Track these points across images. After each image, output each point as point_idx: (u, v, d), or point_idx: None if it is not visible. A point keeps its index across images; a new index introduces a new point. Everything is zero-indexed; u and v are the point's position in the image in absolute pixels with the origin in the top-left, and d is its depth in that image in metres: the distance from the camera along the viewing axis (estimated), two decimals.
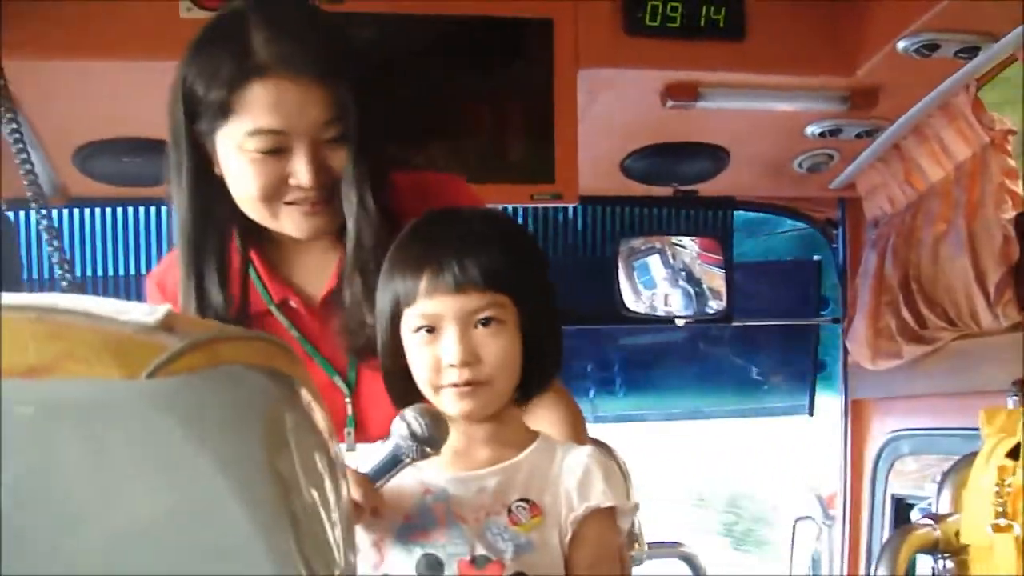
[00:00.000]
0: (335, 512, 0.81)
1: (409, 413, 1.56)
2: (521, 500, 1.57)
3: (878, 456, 3.44)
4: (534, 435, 1.67)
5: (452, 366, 1.55)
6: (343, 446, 1.71)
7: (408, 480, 1.60)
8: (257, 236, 1.93)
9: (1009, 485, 1.67)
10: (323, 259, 1.95)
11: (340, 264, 1.93)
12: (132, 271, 3.16)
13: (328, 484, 0.81)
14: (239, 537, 0.72)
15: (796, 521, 3.77)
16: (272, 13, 1.80)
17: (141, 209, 3.15)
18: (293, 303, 1.95)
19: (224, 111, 1.76)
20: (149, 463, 0.72)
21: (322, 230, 1.87)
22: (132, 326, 0.77)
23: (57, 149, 2.79)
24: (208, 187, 1.85)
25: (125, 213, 3.16)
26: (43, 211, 2.20)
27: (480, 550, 1.53)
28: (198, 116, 1.80)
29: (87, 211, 3.15)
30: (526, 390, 1.66)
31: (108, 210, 3.16)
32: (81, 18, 2.43)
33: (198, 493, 0.72)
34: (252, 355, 0.80)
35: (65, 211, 3.12)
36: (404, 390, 1.63)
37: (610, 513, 1.60)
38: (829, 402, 3.80)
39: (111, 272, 3.17)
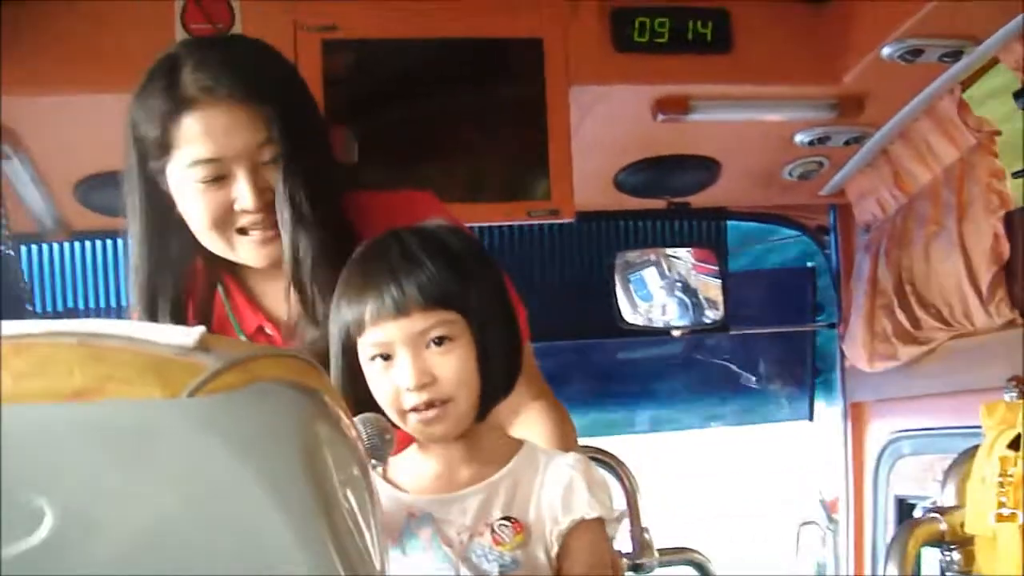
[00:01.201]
0: (371, 518, 0.84)
1: (355, 422, 1.55)
2: (503, 518, 1.55)
3: (879, 458, 3.46)
4: (517, 445, 1.65)
5: (409, 391, 1.53)
6: None
7: (393, 504, 1.58)
8: (230, 267, 1.96)
9: (1011, 475, 1.70)
10: None
11: None
12: (119, 303, 3.17)
13: (365, 496, 0.84)
14: (282, 548, 0.75)
15: (800, 526, 3.78)
16: (202, 49, 1.84)
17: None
18: (268, 330, 1.97)
19: (164, 148, 1.80)
20: (193, 479, 0.75)
21: (277, 258, 1.88)
22: (171, 348, 0.80)
23: (58, 183, 2.82)
24: (164, 225, 1.87)
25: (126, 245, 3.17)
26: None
27: (465, 572, 1.52)
28: (147, 157, 1.83)
29: (88, 244, 3.17)
30: (484, 404, 1.61)
31: (110, 242, 3.17)
32: (79, 51, 2.46)
33: (241, 507, 0.75)
34: (284, 372, 0.83)
35: (67, 244, 3.14)
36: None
37: (598, 523, 1.57)
38: (828, 407, 3.83)
39: (114, 304, 3.19)
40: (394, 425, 1.58)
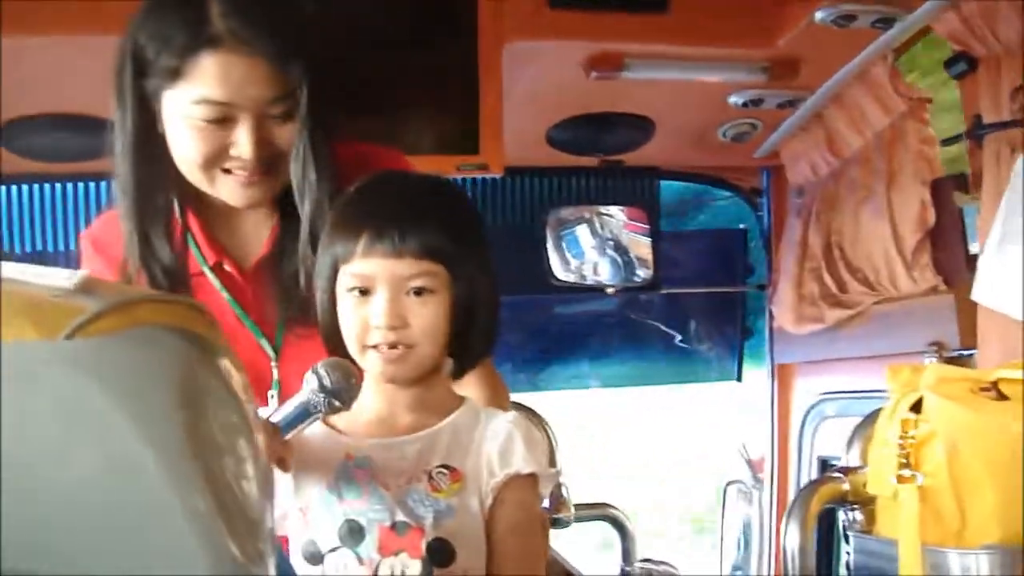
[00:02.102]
0: (253, 471, 0.83)
1: (320, 367, 1.57)
2: (441, 466, 1.58)
3: (804, 419, 3.49)
4: (460, 400, 1.68)
5: (379, 328, 1.56)
6: (264, 409, 1.72)
7: (332, 446, 1.61)
8: (194, 198, 1.94)
9: (912, 437, 1.73)
10: (258, 225, 1.98)
11: (275, 231, 1.96)
12: (62, 247, 3.14)
13: (244, 443, 0.84)
14: (155, 495, 0.75)
15: (726, 485, 3.82)
16: None
17: (71, 185, 3.12)
18: (227, 267, 1.97)
19: (173, 76, 1.77)
20: (67, 423, 0.74)
21: (257, 200, 1.90)
22: (50, 289, 0.79)
23: None
24: (153, 144, 1.86)
25: (53, 189, 3.13)
26: None
27: (400, 516, 1.54)
28: (146, 76, 1.81)
29: (15, 188, 3.13)
30: (459, 363, 1.68)
31: (37, 187, 3.13)
32: None
33: (115, 452, 0.74)
34: (170, 317, 0.82)
35: None
36: (339, 348, 1.64)
37: (531, 479, 1.61)
38: (756, 367, 3.86)
39: (41, 248, 3.15)
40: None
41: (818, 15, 2.66)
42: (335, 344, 1.65)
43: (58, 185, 3.13)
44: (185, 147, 1.83)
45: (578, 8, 2.76)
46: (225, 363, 0.85)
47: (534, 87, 2.94)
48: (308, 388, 1.57)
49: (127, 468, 0.75)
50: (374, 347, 1.58)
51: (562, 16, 2.76)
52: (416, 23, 2.74)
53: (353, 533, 1.55)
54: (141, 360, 0.78)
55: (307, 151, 1.85)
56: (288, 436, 1.57)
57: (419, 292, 1.57)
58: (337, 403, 1.57)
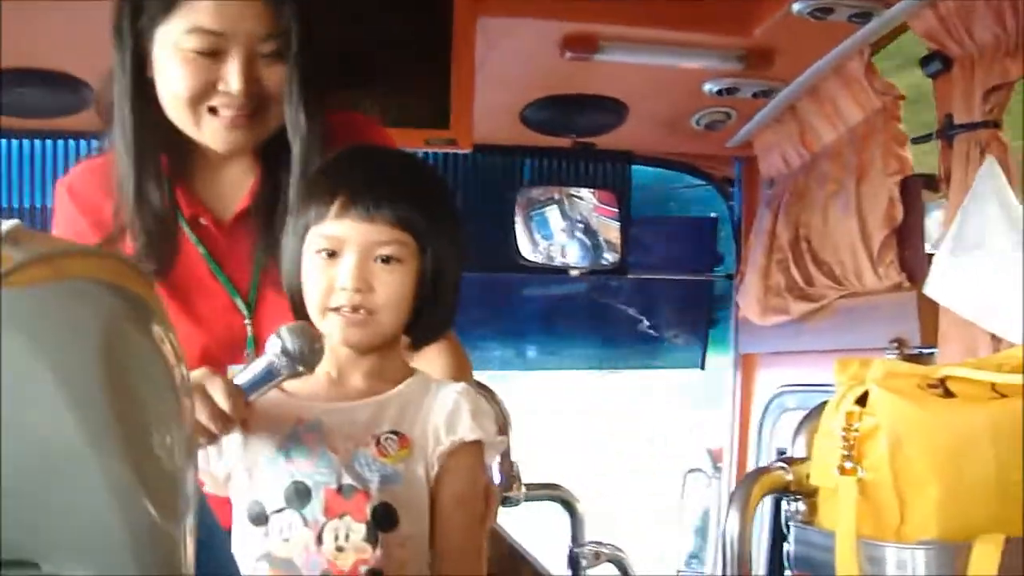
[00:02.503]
0: (176, 431, 0.83)
1: (284, 330, 1.57)
2: (390, 431, 1.60)
3: (765, 409, 3.50)
4: (412, 371, 1.70)
5: (344, 289, 1.58)
6: (235, 367, 1.72)
7: (283, 408, 1.62)
8: (177, 150, 1.94)
9: (856, 430, 1.74)
10: (238, 178, 1.98)
11: (255, 184, 1.96)
12: (21, 203, 3.10)
13: (169, 403, 0.83)
14: (71, 448, 0.75)
15: (686, 473, 3.83)
16: None
17: (33, 142, 3.08)
18: (203, 220, 1.97)
19: (168, 7, 1.79)
20: None
21: (240, 146, 1.90)
22: None
23: None
24: (146, 88, 1.87)
25: (10, 145, 3.08)
26: None
27: (347, 479, 1.56)
28: (141, 11, 1.82)
29: None
30: (418, 337, 1.70)
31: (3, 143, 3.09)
32: None
33: (35, 403, 0.74)
34: (100, 272, 0.82)
35: None
36: (305, 315, 1.65)
37: (477, 447, 1.64)
38: (720, 356, 3.86)
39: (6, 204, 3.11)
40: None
41: (795, 6, 2.65)
42: (301, 313, 1.66)
43: (26, 142, 3.09)
44: (174, 82, 1.82)
45: None
46: (156, 327, 0.84)
47: (508, 65, 2.93)
48: (271, 352, 1.57)
49: (45, 420, 0.74)
50: (335, 310, 1.60)
51: None
52: None
53: (299, 494, 1.57)
54: (66, 313, 0.78)
55: (297, 94, 1.85)
56: (252, 399, 1.58)
57: (387, 260, 1.59)
58: (300, 368, 1.58)
